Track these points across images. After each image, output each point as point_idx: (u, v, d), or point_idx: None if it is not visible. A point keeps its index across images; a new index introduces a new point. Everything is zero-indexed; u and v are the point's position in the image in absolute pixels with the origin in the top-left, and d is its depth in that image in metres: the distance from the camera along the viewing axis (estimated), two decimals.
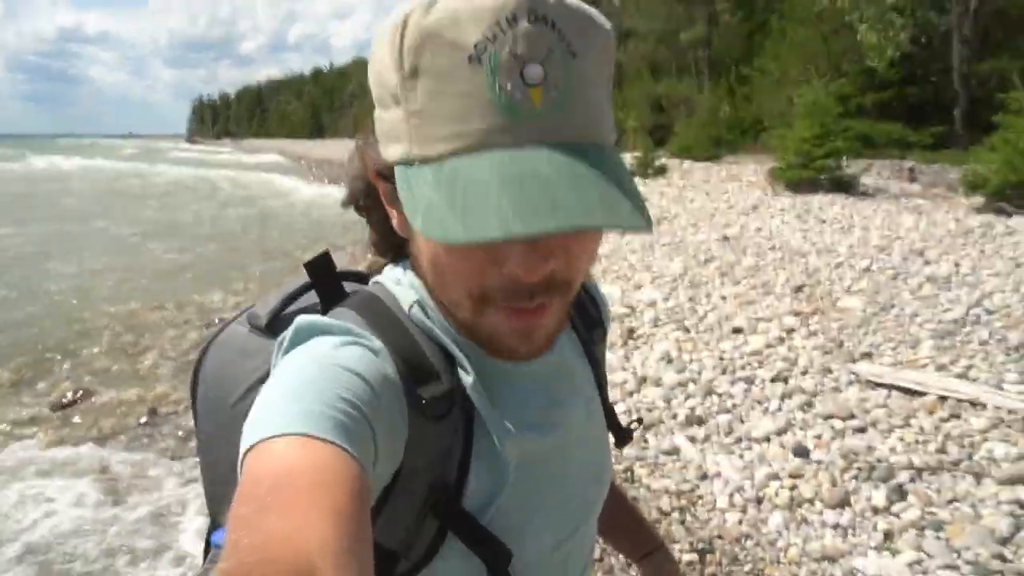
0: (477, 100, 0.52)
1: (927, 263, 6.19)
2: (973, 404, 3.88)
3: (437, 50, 0.53)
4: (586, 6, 0.57)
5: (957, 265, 6.00)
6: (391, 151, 0.59)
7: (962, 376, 4.22)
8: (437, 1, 0.54)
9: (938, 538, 2.83)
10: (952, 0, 18.72)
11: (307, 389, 0.54)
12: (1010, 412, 3.73)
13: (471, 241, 0.49)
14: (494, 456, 0.67)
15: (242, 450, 0.51)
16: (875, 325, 5.15)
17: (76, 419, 4.97)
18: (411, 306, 0.68)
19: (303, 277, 0.76)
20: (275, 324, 0.72)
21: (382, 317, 0.66)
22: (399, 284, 0.71)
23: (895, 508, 3.06)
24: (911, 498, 3.10)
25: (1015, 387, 3.99)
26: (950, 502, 3.05)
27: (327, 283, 0.74)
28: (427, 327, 0.67)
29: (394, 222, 0.68)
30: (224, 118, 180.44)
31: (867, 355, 4.71)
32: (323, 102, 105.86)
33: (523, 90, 0.52)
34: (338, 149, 47.65)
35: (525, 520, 0.69)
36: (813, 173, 11.10)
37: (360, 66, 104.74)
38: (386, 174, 0.62)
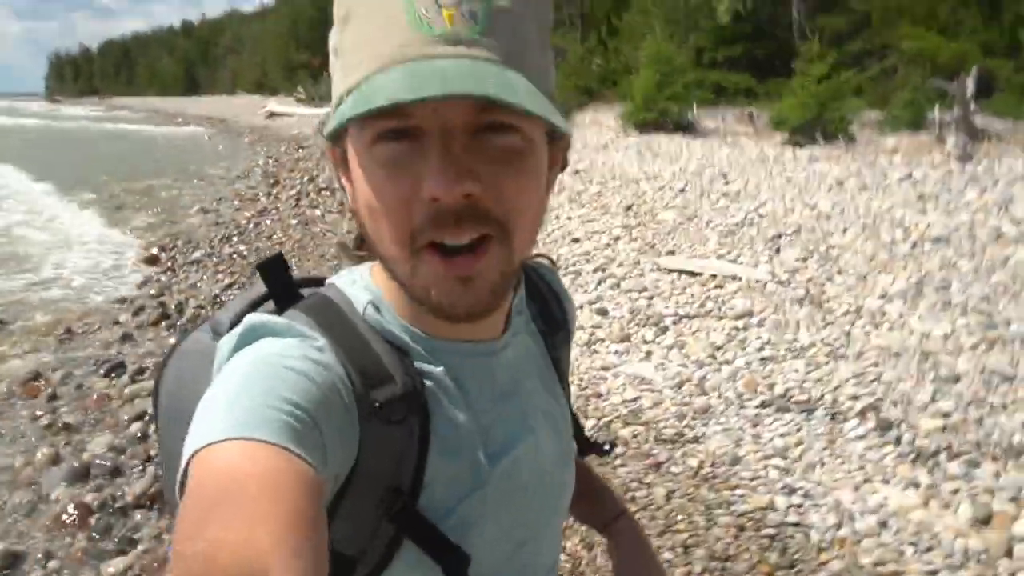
0: (394, 23, 0.53)
1: (727, 183, 7.63)
2: (734, 278, 5.25)
3: None
4: None
5: (746, 183, 7.47)
6: (333, 106, 0.59)
7: (733, 261, 5.60)
8: None
9: (681, 352, 4.13)
10: None
11: (252, 391, 0.52)
12: (757, 281, 5.10)
13: (358, 112, 0.50)
14: (451, 459, 0.65)
15: (185, 456, 0.49)
16: (680, 231, 6.50)
17: None
18: (365, 307, 0.66)
19: (260, 286, 0.74)
20: None
21: (333, 319, 0.64)
22: (354, 284, 0.68)
23: (658, 339, 4.35)
24: (669, 333, 4.40)
25: (764, 265, 5.39)
26: (694, 332, 4.37)
27: (281, 286, 0.71)
28: (382, 327, 0.65)
29: (348, 198, 0.65)
30: (87, 74, 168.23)
31: (671, 252, 6.03)
32: (197, 56, 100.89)
33: (436, 10, 0.52)
34: (217, 106, 46.32)
35: (484, 524, 0.67)
36: (656, 116, 12.56)
37: (234, 17, 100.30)
38: (333, 136, 0.62)
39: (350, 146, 0.59)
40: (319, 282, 0.74)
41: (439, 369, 0.66)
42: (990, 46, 15.87)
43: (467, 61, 0.52)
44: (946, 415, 3.15)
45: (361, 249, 0.72)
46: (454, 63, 0.52)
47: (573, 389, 3.09)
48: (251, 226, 9.51)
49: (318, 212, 10.05)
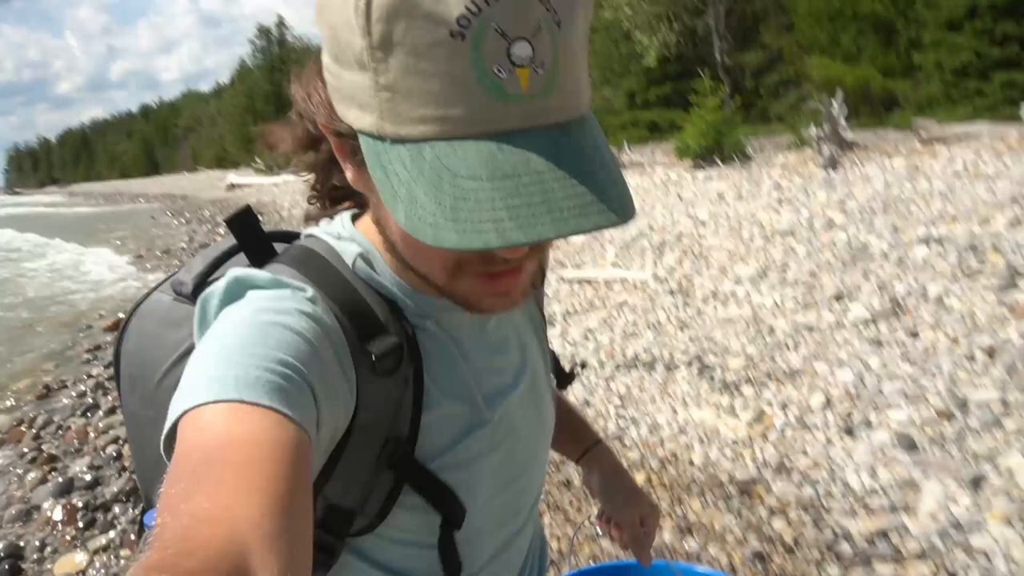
0: (460, 82, 0.47)
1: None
2: (622, 281, 6.14)
3: (413, 22, 0.46)
4: None
5: (643, 202, 8.44)
6: (355, 117, 0.53)
7: (624, 267, 6.50)
8: None
9: (561, 338, 4.97)
10: (708, 4, 22.19)
11: (240, 350, 0.50)
12: (641, 281, 5.99)
13: (466, 249, 0.46)
14: (447, 404, 0.66)
15: (171, 418, 0.48)
16: (586, 248, 7.41)
17: None
18: (354, 259, 0.64)
19: (229, 240, 0.72)
20: (201, 290, 0.61)
21: (321, 271, 0.62)
22: (339, 239, 0.66)
23: (551, 333, 5.20)
24: (558, 326, 5.25)
25: (649, 268, 6.30)
26: (576, 323, 5.22)
27: (254, 241, 0.67)
28: (374, 280, 0.64)
29: (348, 175, 0.62)
30: (46, 164, 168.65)
31: (577, 266, 6.92)
32: (156, 138, 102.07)
33: (510, 71, 0.47)
34: (179, 183, 47.07)
35: (481, 467, 0.69)
36: None
37: (191, 97, 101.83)
38: (342, 132, 0.57)
39: (380, 164, 0.52)
40: (288, 236, 0.72)
41: (429, 320, 0.66)
42: (889, 69, 17.35)
43: (552, 149, 0.48)
44: (749, 356, 4.03)
45: (324, 210, 0.72)
46: (546, 166, 0.47)
47: None
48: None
49: None
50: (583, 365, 3.13)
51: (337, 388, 0.56)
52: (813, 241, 5.71)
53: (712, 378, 3.90)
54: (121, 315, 8.96)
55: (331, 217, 0.71)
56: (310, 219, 0.75)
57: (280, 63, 54.03)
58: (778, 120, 18.97)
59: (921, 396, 3.26)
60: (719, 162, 9.88)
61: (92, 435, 5.38)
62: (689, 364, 4.11)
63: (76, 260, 16.04)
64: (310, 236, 0.69)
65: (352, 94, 0.53)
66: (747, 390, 3.69)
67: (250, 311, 0.55)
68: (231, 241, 0.71)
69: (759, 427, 3.33)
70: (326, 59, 0.56)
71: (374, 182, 0.52)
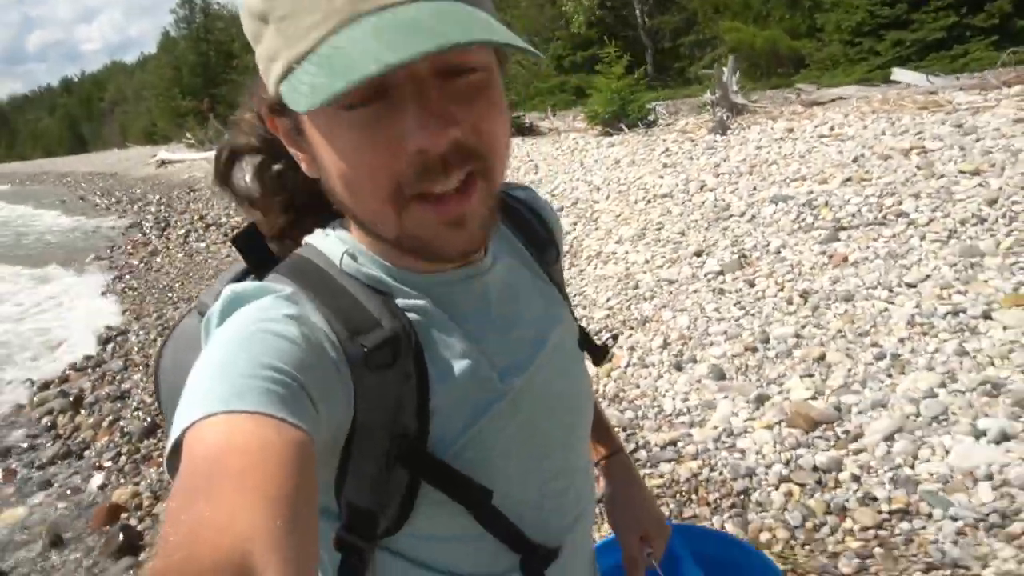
0: None
1: (536, 172, 9.13)
2: None
3: None
4: None
5: (548, 170, 8.99)
6: (273, 74, 0.57)
7: None
8: None
9: None
10: None
11: (231, 362, 0.52)
12: None
13: (349, 85, 0.48)
14: (455, 384, 0.64)
15: (173, 436, 0.49)
16: None
17: None
18: (341, 257, 0.66)
19: (241, 263, 0.74)
20: None
21: (312, 275, 0.64)
22: (327, 237, 0.68)
23: None
24: None
25: None
26: None
27: (257, 256, 0.71)
28: (361, 273, 0.65)
29: (303, 166, 0.64)
30: None
31: None
32: (80, 113, 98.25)
33: None
34: (108, 160, 45.85)
35: (505, 447, 0.67)
36: None
37: (115, 70, 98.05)
38: (278, 107, 0.60)
39: (306, 116, 0.58)
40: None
41: (426, 302, 0.66)
42: (795, 30, 18.17)
43: (425, 3, 0.51)
44: (611, 308, 4.65)
45: (283, 237, 0.73)
46: (415, 8, 0.51)
47: None
48: (141, 265, 10.50)
49: (203, 245, 11.10)
50: (615, 337, 3.15)
51: (333, 387, 0.57)
52: (687, 203, 6.35)
53: None
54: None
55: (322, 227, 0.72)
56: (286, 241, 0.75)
57: (205, 32, 52.55)
58: (697, 82, 19.69)
59: (738, 335, 3.91)
60: (624, 128, 10.46)
61: (28, 408, 5.75)
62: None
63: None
64: (306, 244, 0.70)
65: (267, 54, 0.57)
66: (604, 336, 4.30)
67: (237, 324, 0.56)
68: (243, 263, 0.73)
69: (608, 367, 3.95)
70: (257, 55, 0.59)
71: (290, 105, 0.55)
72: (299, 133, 0.62)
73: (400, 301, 0.65)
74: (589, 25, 22.82)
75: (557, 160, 9.60)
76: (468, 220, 0.60)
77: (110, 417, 4.89)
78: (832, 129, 7.44)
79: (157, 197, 19.62)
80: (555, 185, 8.20)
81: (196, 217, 13.91)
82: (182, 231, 12.74)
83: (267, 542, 0.42)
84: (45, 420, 5.36)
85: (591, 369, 3.27)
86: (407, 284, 0.66)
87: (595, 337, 0.87)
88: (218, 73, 48.70)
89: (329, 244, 0.68)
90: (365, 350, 0.60)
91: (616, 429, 3.29)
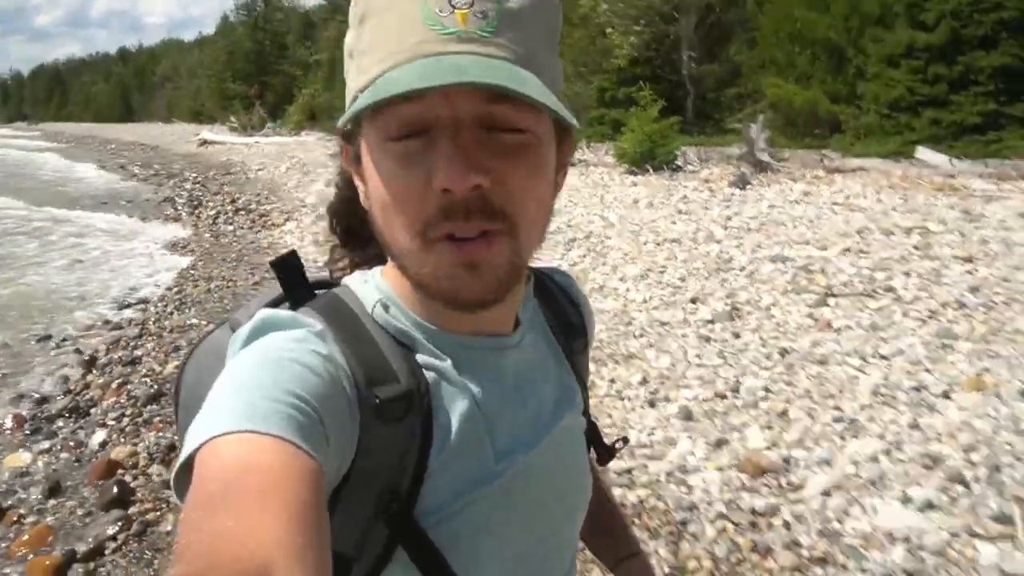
0: (409, 22, 0.57)
1: (559, 200, 9.37)
2: None
3: None
4: None
5: (569, 200, 9.27)
6: (348, 102, 0.62)
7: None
8: None
9: None
10: (680, 12, 23.04)
11: (257, 384, 0.53)
12: None
13: (375, 99, 0.53)
14: (453, 455, 0.64)
15: (187, 450, 0.50)
16: None
17: None
18: (374, 305, 0.67)
19: (276, 290, 0.75)
20: None
21: (343, 317, 0.66)
22: (365, 283, 0.70)
23: None
24: None
25: (556, 262, 7.11)
26: None
27: (295, 284, 0.72)
28: (390, 324, 0.66)
29: (361, 197, 0.67)
30: (17, 99, 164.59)
31: None
32: (133, 83, 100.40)
33: (449, 9, 0.56)
34: (151, 132, 46.89)
35: (489, 529, 0.66)
36: None
37: (172, 46, 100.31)
38: (347, 136, 0.66)
39: (363, 144, 0.62)
40: (333, 284, 0.74)
41: (446, 363, 0.66)
42: (836, 94, 18.37)
43: (481, 57, 0.56)
44: (601, 340, 4.89)
45: (352, 253, 0.77)
46: (469, 58, 0.55)
47: None
48: (170, 240, 10.90)
49: (230, 228, 11.48)
50: (625, 440, 3.27)
51: (345, 427, 0.58)
52: (692, 251, 6.59)
53: None
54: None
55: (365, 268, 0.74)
56: (333, 271, 0.79)
57: (263, 21, 53.73)
58: (733, 133, 19.95)
59: (713, 381, 4.13)
60: (650, 170, 10.73)
61: (44, 360, 6.08)
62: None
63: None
64: (343, 285, 0.72)
65: (349, 86, 0.62)
66: (590, 366, 4.53)
67: (265, 348, 0.58)
68: (279, 290, 0.74)
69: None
70: (348, 94, 0.64)
71: (341, 124, 0.62)
72: (359, 162, 0.65)
73: (421, 357, 0.66)
74: (634, 63, 23.16)
75: (580, 192, 9.88)
76: (484, 267, 0.60)
77: (119, 380, 5.18)
78: (847, 198, 7.67)
79: (193, 175, 20.15)
80: (572, 216, 8.48)
81: (228, 200, 14.32)
82: (212, 212, 13.15)
83: (289, 555, 0.43)
84: (59, 374, 5.68)
85: None
86: (433, 340, 0.67)
87: (604, 435, 0.88)
88: (270, 62, 49.76)
89: (366, 291, 0.69)
90: (378, 401, 0.61)
91: None
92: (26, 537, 3.30)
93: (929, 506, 2.78)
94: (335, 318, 0.65)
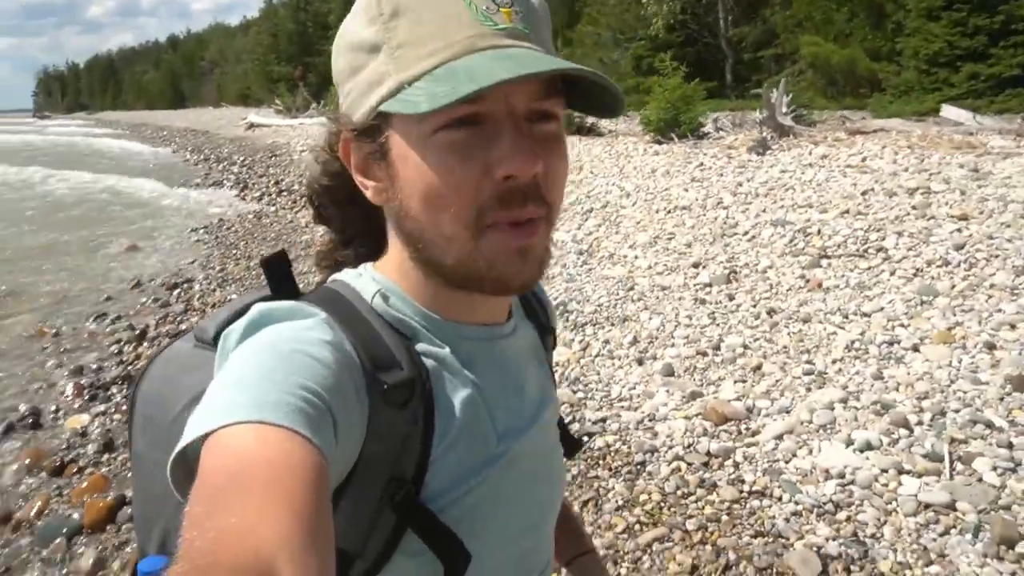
0: (458, 17, 0.59)
1: (581, 171, 9.67)
2: None
3: None
4: None
5: (591, 171, 9.49)
6: (375, 96, 0.62)
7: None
8: None
9: None
10: None
11: (261, 375, 0.53)
12: (560, 242, 7.09)
13: (482, 88, 0.54)
14: (456, 439, 0.66)
15: (185, 439, 0.50)
16: None
17: None
18: (373, 296, 0.68)
19: (254, 294, 0.75)
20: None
21: (342, 307, 0.66)
22: (360, 277, 0.71)
23: None
24: None
25: (572, 231, 7.39)
26: None
27: (282, 284, 0.72)
28: (389, 315, 0.67)
29: (368, 192, 0.68)
30: (74, 90, 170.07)
31: None
32: (183, 70, 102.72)
33: (495, 8, 0.60)
34: (202, 118, 48.17)
35: (491, 509, 0.68)
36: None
37: (218, 31, 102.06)
38: (368, 130, 0.65)
39: (396, 137, 0.63)
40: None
41: (445, 351, 0.68)
42: (876, 51, 18.00)
43: (535, 51, 0.60)
44: (600, 305, 5.19)
45: (337, 252, 0.78)
46: (526, 52, 0.59)
47: None
48: (215, 221, 11.50)
49: (272, 209, 12.03)
50: (589, 435, 3.37)
51: (353, 417, 0.58)
52: (701, 217, 6.80)
53: (567, 319, 5.07)
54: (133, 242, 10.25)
55: (354, 266, 0.74)
56: (321, 255, 0.80)
57: (305, 3, 54.39)
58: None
59: (698, 340, 4.41)
60: (675, 138, 10.86)
61: (99, 336, 6.67)
62: (556, 309, 5.29)
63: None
64: (334, 280, 0.72)
65: (370, 81, 0.63)
66: (588, 329, 4.86)
67: (270, 339, 0.58)
68: (257, 294, 0.75)
69: (580, 355, 4.51)
70: (344, 87, 0.67)
71: (392, 113, 0.62)
72: (382, 156, 0.64)
73: (421, 346, 0.67)
74: (670, 29, 22.96)
75: (603, 163, 10.09)
76: (531, 253, 0.63)
77: None
78: (863, 160, 7.73)
79: (241, 159, 20.82)
80: (592, 187, 8.72)
81: (272, 182, 14.86)
82: (257, 194, 13.73)
83: (291, 552, 0.43)
84: (113, 348, 6.25)
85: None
86: (432, 329, 0.68)
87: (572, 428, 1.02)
88: (313, 43, 50.37)
89: (362, 283, 0.70)
90: (386, 386, 0.62)
91: (563, 405, 3.87)
92: (84, 485, 3.82)
93: (868, 447, 3.04)
94: (335, 308, 0.66)
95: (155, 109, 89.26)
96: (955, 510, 2.63)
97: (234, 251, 9.09)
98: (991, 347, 3.74)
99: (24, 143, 38.97)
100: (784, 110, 9.95)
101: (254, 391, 0.51)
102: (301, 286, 0.75)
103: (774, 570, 2.45)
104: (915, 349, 3.91)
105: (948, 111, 10.07)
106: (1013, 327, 3.87)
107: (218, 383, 0.54)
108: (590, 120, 14.26)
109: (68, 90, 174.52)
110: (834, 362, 3.91)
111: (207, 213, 12.21)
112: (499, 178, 0.60)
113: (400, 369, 0.63)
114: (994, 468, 2.80)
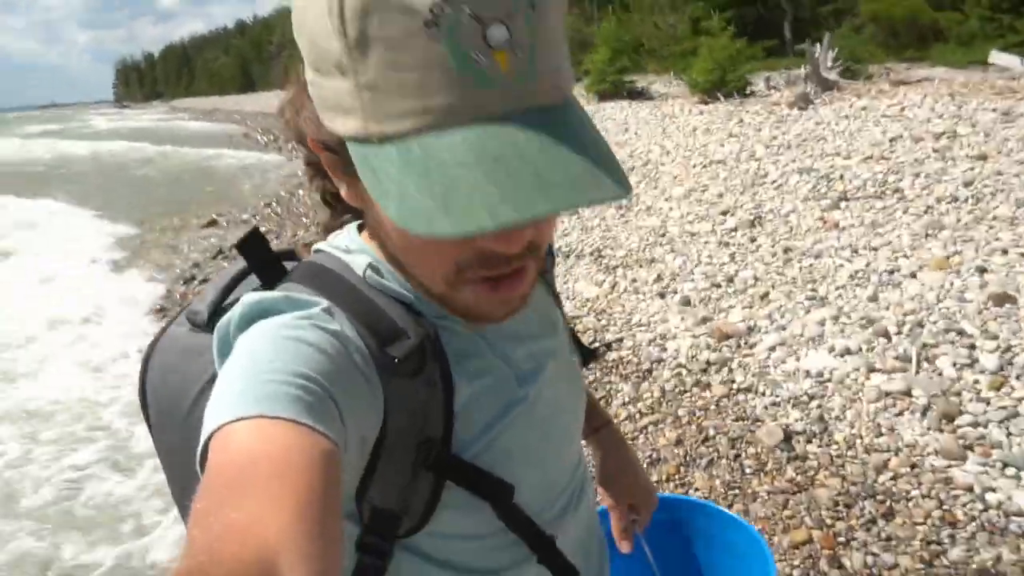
0: (439, 70, 0.48)
1: (625, 133, 10.03)
2: None
3: (386, 15, 0.48)
4: None
5: (637, 133, 9.85)
6: (340, 124, 0.55)
7: None
8: None
9: None
10: None
11: (260, 368, 0.53)
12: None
13: (460, 234, 0.48)
14: (477, 394, 0.67)
15: (202, 440, 0.51)
16: None
17: None
18: (365, 270, 0.67)
19: (237, 264, 0.74)
20: (217, 318, 0.64)
21: (333, 284, 0.65)
22: (349, 252, 0.69)
23: None
24: None
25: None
26: None
27: (264, 262, 0.70)
28: (386, 287, 0.66)
29: (343, 191, 0.65)
30: (151, 79, 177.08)
31: None
32: (251, 55, 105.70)
33: (488, 55, 0.48)
34: (272, 102, 49.74)
35: (518, 456, 0.71)
36: (608, 86, 14.86)
37: (285, 15, 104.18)
38: (331, 146, 0.60)
39: (369, 167, 0.53)
40: (292, 255, 0.75)
41: (449, 320, 0.68)
42: (939, 0, 17.54)
43: (537, 130, 0.49)
44: (630, 250, 5.67)
45: (334, 219, 0.75)
46: (524, 135, 0.49)
47: None
48: (284, 192, 12.34)
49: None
50: (608, 346, 3.65)
51: (361, 398, 0.58)
52: (734, 169, 7.14)
53: (600, 263, 5.57)
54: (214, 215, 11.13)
55: (339, 229, 0.73)
56: (327, 230, 0.77)
57: None
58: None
59: (714, 276, 4.85)
60: (721, 97, 11.09)
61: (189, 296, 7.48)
62: (591, 255, 5.79)
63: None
64: (319, 251, 0.71)
65: (336, 101, 0.53)
66: (619, 271, 5.35)
67: (267, 330, 0.57)
68: (241, 264, 0.72)
69: (609, 292, 5.02)
70: (309, 73, 0.57)
71: (365, 184, 0.53)
72: (354, 174, 0.56)
73: (424, 307, 0.67)
74: None
75: (648, 125, 10.45)
76: (515, 298, 0.63)
77: None
78: (902, 110, 7.89)
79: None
80: (636, 147, 9.12)
81: None
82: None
83: (293, 548, 0.43)
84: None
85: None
86: (426, 307, 0.68)
87: (587, 334, 1.17)
88: None
89: (352, 257, 0.68)
90: (395, 359, 0.61)
91: (588, 332, 4.39)
92: None
93: (847, 352, 3.47)
94: (326, 286, 0.65)
95: (226, 95, 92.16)
96: (910, 396, 3.05)
97: (303, 220, 9.85)
98: (982, 271, 4.06)
99: (122, 128, 41.12)
100: (829, 64, 10.06)
101: (253, 385, 0.52)
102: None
103: (744, 440, 2.94)
104: (913, 276, 4.26)
105: (997, 57, 9.99)
106: (1005, 252, 4.18)
107: (221, 380, 0.55)
108: (640, 83, 14.53)
109: (145, 80, 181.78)
110: (837, 290, 4.30)
111: (282, 184, 13.06)
112: (479, 246, 0.58)
113: (407, 337, 0.63)
114: (954, 364, 3.20)
